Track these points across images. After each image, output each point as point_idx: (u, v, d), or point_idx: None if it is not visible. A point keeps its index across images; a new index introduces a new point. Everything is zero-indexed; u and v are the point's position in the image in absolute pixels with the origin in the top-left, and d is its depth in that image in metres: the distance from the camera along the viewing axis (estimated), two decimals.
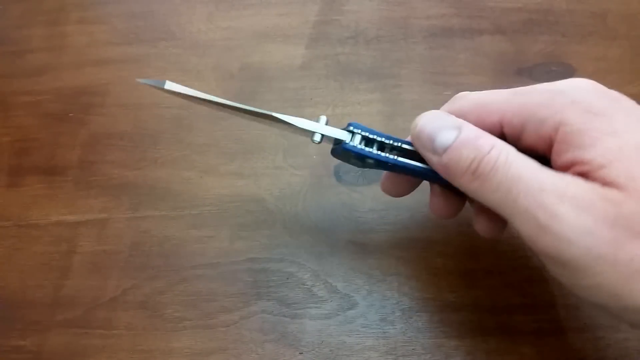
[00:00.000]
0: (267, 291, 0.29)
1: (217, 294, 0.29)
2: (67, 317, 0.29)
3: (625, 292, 0.17)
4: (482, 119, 0.21)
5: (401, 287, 0.29)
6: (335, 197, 0.32)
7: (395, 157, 0.23)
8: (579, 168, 0.18)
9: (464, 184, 0.20)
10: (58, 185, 0.33)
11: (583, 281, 0.18)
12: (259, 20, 0.38)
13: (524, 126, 0.20)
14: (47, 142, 0.35)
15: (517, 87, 0.21)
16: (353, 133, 0.23)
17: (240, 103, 0.24)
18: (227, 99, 0.24)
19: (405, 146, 0.23)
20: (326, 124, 0.24)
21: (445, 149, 0.20)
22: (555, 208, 0.18)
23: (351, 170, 0.32)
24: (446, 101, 0.23)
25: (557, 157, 0.19)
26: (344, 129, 0.23)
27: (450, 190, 0.24)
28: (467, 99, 0.22)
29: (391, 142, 0.23)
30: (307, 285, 0.29)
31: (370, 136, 0.23)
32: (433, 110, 0.22)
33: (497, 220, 0.24)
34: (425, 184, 0.25)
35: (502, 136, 0.21)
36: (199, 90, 0.24)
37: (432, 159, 0.21)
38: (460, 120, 0.21)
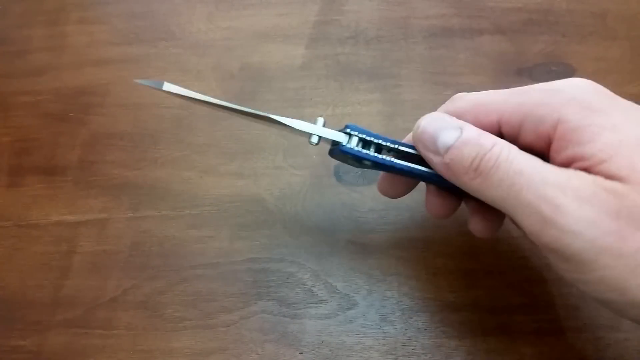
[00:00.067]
0: (267, 291, 0.29)
1: (217, 294, 0.29)
2: (67, 317, 0.29)
3: (630, 285, 0.17)
4: (480, 118, 0.21)
5: (401, 287, 0.29)
6: (335, 197, 0.32)
7: (392, 159, 0.23)
8: (579, 164, 0.18)
9: (466, 182, 0.20)
10: (58, 185, 0.33)
11: (587, 275, 0.18)
12: (259, 20, 0.38)
13: (521, 125, 0.20)
14: (47, 142, 0.35)
15: (517, 87, 0.21)
16: (350, 135, 0.23)
17: (237, 104, 0.24)
18: (227, 100, 0.24)
19: (402, 148, 0.23)
20: (324, 125, 0.24)
21: (447, 149, 0.20)
22: (559, 200, 0.18)
23: (351, 170, 0.32)
24: (446, 101, 0.23)
25: (556, 155, 0.19)
26: (341, 131, 0.24)
27: (446, 191, 0.24)
28: (465, 99, 0.22)
29: (388, 144, 0.23)
30: (307, 285, 0.29)
31: (367, 138, 0.23)
32: (434, 112, 0.22)
33: (492, 219, 0.24)
34: (423, 185, 0.25)
35: (500, 136, 0.21)
36: (198, 90, 0.24)
37: (434, 160, 0.21)
38: (462, 121, 0.21)
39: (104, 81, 0.37)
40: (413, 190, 0.26)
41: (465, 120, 0.21)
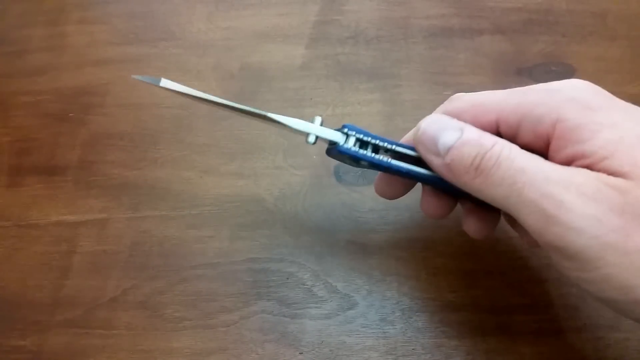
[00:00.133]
0: (267, 291, 0.29)
1: (217, 294, 0.29)
2: (67, 317, 0.29)
3: (634, 284, 0.17)
4: (479, 118, 0.21)
5: (401, 287, 0.29)
6: (335, 197, 0.32)
7: (389, 159, 0.23)
8: (580, 162, 0.18)
9: (467, 182, 0.20)
10: (58, 185, 0.33)
11: (591, 273, 0.18)
12: (259, 20, 0.39)
13: (520, 125, 0.20)
14: (47, 142, 0.35)
15: (516, 87, 0.21)
16: (347, 135, 0.23)
17: (236, 102, 0.24)
18: (226, 99, 0.24)
19: (399, 149, 0.23)
20: (321, 124, 0.24)
21: (448, 149, 0.20)
22: (562, 197, 0.17)
23: (351, 170, 0.32)
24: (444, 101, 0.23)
25: (556, 154, 0.19)
26: (338, 131, 0.23)
27: (442, 191, 0.24)
28: (463, 99, 0.22)
29: (385, 144, 0.23)
30: (307, 285, 0.29)
31: (365, 138, 0.23)
32: (434, 114, 0.22)
33: (487, 220, 0.24)
34: (420, 185, 0.25)
35: (499, 136, 0.21)
36: (198, 89, 0.24)
37: (435, 161, 0.21)
38: (463, 123, 0.21)
39: (104, 81, 0.37)
40: (412, 191, 0.26)
41: (464, 120, 0.21)
